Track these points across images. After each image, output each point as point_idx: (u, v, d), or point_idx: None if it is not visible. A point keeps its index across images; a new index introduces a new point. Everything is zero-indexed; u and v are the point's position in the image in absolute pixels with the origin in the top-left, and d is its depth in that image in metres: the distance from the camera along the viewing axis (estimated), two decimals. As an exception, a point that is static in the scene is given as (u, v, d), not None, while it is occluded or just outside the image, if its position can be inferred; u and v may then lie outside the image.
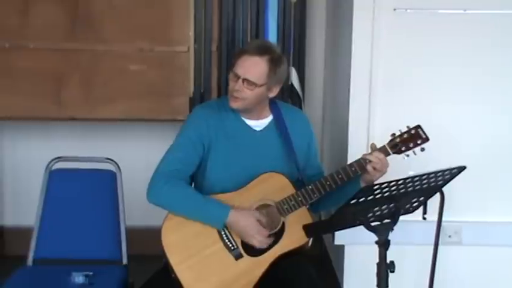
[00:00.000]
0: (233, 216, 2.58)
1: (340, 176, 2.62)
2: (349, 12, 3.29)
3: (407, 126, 2.62)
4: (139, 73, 3.78)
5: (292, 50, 3.75)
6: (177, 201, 2.62)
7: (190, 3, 3.71)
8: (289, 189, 2.65)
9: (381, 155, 2.60)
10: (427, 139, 2.60)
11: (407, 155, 2.61)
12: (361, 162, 2.61)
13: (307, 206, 2.67)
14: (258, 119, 2.77)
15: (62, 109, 3.79)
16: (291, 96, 3.77)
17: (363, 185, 2.66)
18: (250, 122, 2.77)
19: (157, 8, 3.74)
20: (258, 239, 2.59)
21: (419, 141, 2.60)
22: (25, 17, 3.71)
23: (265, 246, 2.60)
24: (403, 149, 2.61)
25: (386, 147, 2.62)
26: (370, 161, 2.60)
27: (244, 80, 2.63)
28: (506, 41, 3.27)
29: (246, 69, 2.63)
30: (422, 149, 2.60)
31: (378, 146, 2.65)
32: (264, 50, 2.68)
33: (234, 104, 2.68)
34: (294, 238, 2.61)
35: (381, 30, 3.25)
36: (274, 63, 2.66)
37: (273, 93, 2.73)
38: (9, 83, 3.76)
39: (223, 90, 3.73)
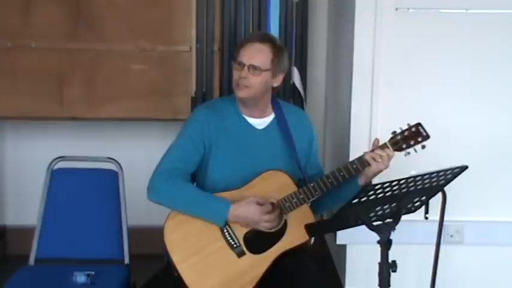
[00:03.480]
0: (234, 210, 2.58)
1: (341, 174, 2.62)
2: (351, 12, 3.30)
3: (408, 124, 2.62)
4: (141, 73, 3.79)
5: (294, 49, 3.75)
6: (178, 199, 2.63)
7: (192, 3, 3.71)
8: (291, 187, 2.66)
9: (383, 153, 2.60)
10: (427, 136, 2.61)
11: (408, 152, 2.61)
12: (362, 159, 2.62)
13: (309, 204, 2.67)
14: (260, 117, 2.78)
15: (64, 109, 3.79)
16: (292, 96, 3.77)
17: (361, 183, 2.66)
18: (252, 121, 2.77)
19: (159, 8, 3.74)
20: (266, 221, 2.58)
21: (419, 139, 2.61)
22: (27, 17, 3.71)
23: (275, 225, 2.60)
24: (404, 146, 2.61)
25: (388, 144, 2.63)
26: (374, 154, 2.60)
27: (249, 66, 2.65)
28: (508, 41, 3.27)
29: (251, 55, 2.66)
30: (423, 147, 2.60)
31: (380, 143, 2.65)
32: (265, 38, 2.74)
33: (241, 93, 2.69)
34: (296, 235, 2.61)
35: (383, 30, 3.25)
36: (277, 51, 2.71)
37: (277, 83, 2.75)
38: (11, 83, 3.77)
39: (225, 90, 3.73)
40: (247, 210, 2.59)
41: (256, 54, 2.67)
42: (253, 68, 2.65)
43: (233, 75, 2.71)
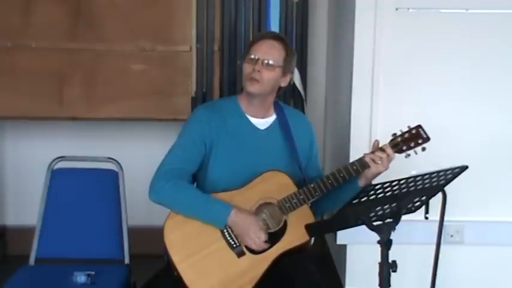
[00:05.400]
0: (234, 216, 2.58)
1: (341, 175, 2.62)
2: (351, 12, 3.30)
3: (408, 126, 2.62)
4: (141, 73, 3.79)
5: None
6: (179, 200, 2.63)
7: (193, 3, 3.71)
8: (291, 188, 2.66)
9: (383, 155, 2.60)
10: (428, 139, 2.61)
11: (409, 154, 2.61)
12: (362, 161, 2.62)
13: (309, 205, 2.67)
14: (262, 117, 2.79)
15: (64, 108, 3.79)
16: (292, 96, 3.77)
17: (361, 183, 2.66)
18: (255, 120, 2.77)
19: (159, 8, 3.74)
20: (255, 242, 2.59)
21: (420, 141, 2.60)
22: (27, 17, 3.71)
23: (260, 249, 2.60)
24: (404, 148, 2.61)
25: (388, 146, 2.63)
26: (371, 157, 2.61)
27: (263, 61, 2.67)
28: (508, 41, 3.27)
29: (265, 51, 2.68)
30: (424, 149, 2.60)
31: (380, 144, 2.65)
32: (278, 36, 2.78)
33: (252, 88, 2.68)
34: (295, 236, 2.61)
35: (383, 30, 3.25)
36: (289, 50, 2.75)
37: (284, 83, 2.77)
38: (11, 83, 3.77)
39: (225, 90, 3.74)
40: (246, 222, 2.59)
41: (271, 50, 2.69)
42: (267, 63, 2.67)
43: (245, 70, 2.71)
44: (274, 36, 2.75)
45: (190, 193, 2.65)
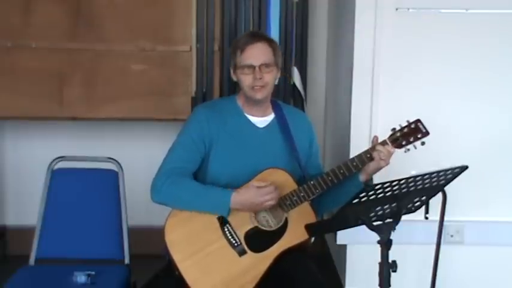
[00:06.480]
0: (235, 197, 2.59)
1: (341, 171, 2.62)
2: (351, 12, 3.30)
3: (407, 121, 2.62)
4: (141, 73, 3.79)
5: (294, 49, 3.75)
6: (179, 195, 2.63)
7: (193, 3, 3.71)
8: (291, 185, 2.66)
9: (385, 149, 2.60)
10: (427, 133, 2.60)
11: (408, 149, 2.61)
12: (362, 157, 2.62)
13: (310, 202, 2.67)
14: (262, 116, 2.79)
15: (64, 108, 3.79)
16: (292, 96, 3.77)
17: (362, 179, 2.66)
18: (254, 119, 2.78)
19: (159, 8, 3.74)
20: (269, 199, 2.58)
21: (419, 135, 2.60)
22: (27, 17, 3.71)
23: (277, 199, 2.60)
24: (403, 143, 2.61)
25: (387, 141, 2.63)
26: (376, 150, 2.60)
27: (260, 66, 2.67)
28: (508, 41, 3.27)
29: (257, 56, 2.68)
30: (423, 143, 2.60)
31: (380, 140, 2.65)
32: (259, 36, 2.77)
33: (260, 94, 2.70)
34: (296, 234, 2.61)
35: (383, 30, 3.25)
36: (273, 43, 2.75)
37: (279, 73, 2.78)
38: (11, 83, 3.77)
39: (225, 90, 3.74)
40: (248, 194, 2.59)
41: (261, 53, 2.68)
42: (263, 66, 2.67)
43: (244, 81, 2.70)
44: (256, 38, 2.73)
45: (190, 187, 2.65)
